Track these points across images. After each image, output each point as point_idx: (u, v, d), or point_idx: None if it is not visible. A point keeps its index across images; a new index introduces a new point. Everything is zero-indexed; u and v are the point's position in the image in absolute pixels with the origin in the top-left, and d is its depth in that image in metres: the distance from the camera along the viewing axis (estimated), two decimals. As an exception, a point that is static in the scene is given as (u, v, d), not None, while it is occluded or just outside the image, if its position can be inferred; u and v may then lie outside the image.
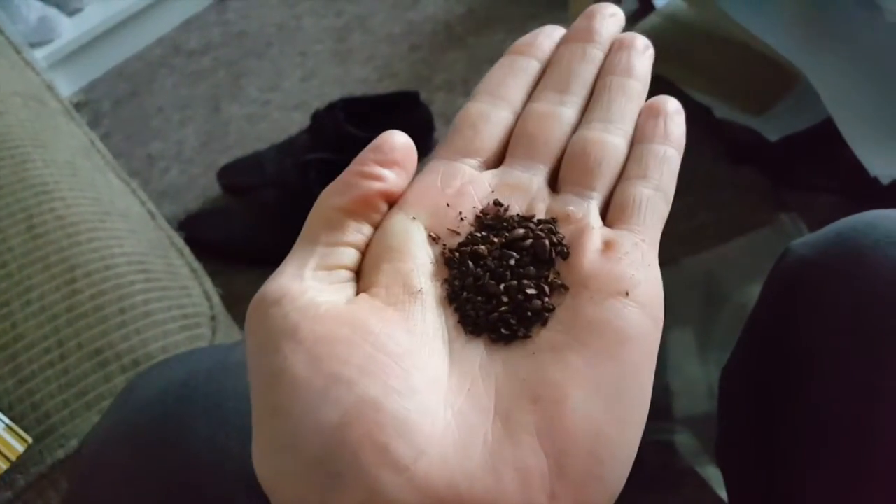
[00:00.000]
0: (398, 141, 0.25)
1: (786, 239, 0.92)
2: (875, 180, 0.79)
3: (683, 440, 0.79)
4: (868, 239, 0.34)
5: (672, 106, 0.27)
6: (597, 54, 0.29)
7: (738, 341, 0.42)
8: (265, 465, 0.20)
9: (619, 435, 0.20)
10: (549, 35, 0.30)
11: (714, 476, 0.75)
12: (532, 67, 0.29)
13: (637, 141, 0.27)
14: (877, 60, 0.78)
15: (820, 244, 0.36)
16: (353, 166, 0.25)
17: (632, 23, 1.18)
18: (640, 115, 0.27)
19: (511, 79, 0.29)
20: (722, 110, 1.04)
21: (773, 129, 0.99)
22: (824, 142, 0.88)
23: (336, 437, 0.19)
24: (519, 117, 0.28)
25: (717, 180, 1.04)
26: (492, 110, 0.28)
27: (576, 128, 0.28)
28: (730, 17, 0.87)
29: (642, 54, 0.29)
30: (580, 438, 0.20)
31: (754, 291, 0.88)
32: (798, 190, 0.99)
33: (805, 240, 0.38)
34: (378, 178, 0.25)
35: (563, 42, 0.30)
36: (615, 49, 0.29)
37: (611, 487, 0.20)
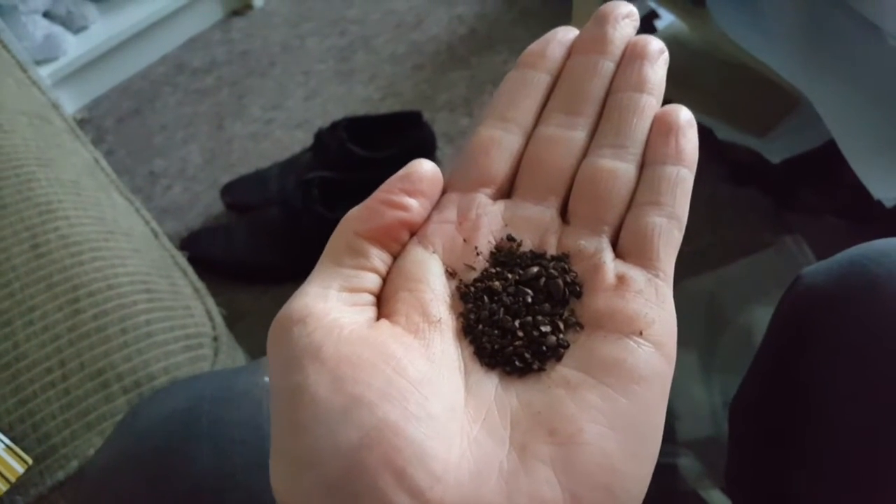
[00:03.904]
0: (426, 171, 0.26)
1: (789, 261, 0.91)
2: (878, 203, 0.79)
3: (686, 463, 0.78)
4: (881, 268, 0.34)
5: (684, 118, 0.27)
6: (608, 67, 0.28)
7: (749, 368, 0.42)
8: (283, 482, 0.20)
9: (632, 470, 0.21)
10: (561, 41, 0.29)
11: (717, 500, 0.75)
12: (542, 82, 0.28)
13: (649, 162, 0.26)
14: (879, 83, 0.78)
15: (832, 272, 0.36)
16: (380, 194, 0.25)
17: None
18: (651, 128, 0.27)
19: (521, 98, 0.28)
20: (724, 132, 1.04)
21: (775, 150, 0.99)
22: (827, 164, 0.89)
23: (355, 459, 0.19)
24: (529, 139, 0.28)
25: (719, 202, 1.04)
26: (503, 136, 0.27)
27: (586, 149, 0.27)
28: (731, 38, 0.87)
29: (656, 62, 0.28)
30: (596, 472, 0.20)
31: (757, 314, 0.87)
32: (800, 212, 1.00)
33: (817, 268, 0.38)
34: (403, 207, 0.25)
35: (574, 51, 0.29)
36: (628, 58, 0.28)
37: None
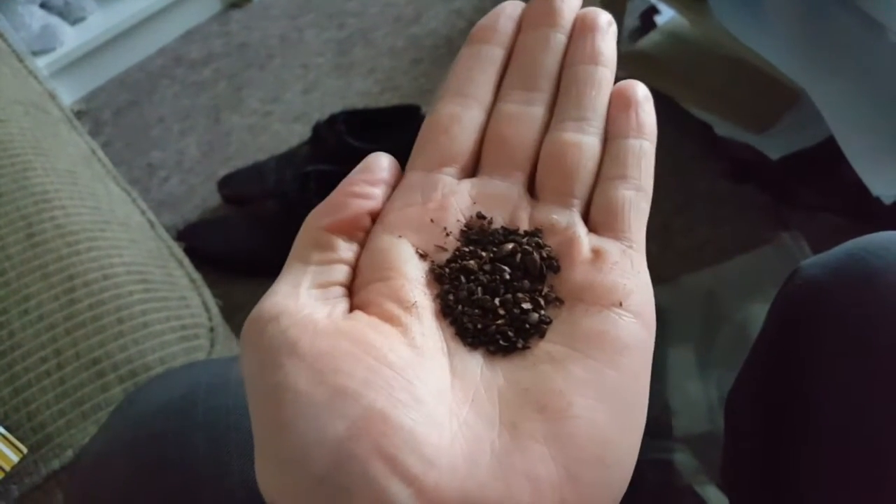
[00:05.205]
0: (384, 162, 0.26)
1: (787, 258, 0.91)
2: (877, 200, 0.79)
3: (682, 459, 0.78)
4: (881, 261, 0.34)
5: (641, 93, 0.27)
6: (560, 39, 0.28)
7: (745, 360, 0.42)
8: (270, 481, 0.20)
9: (623, 440, 0.21)
10: (510, 15, 0.29)
11: (713, 496, 0.75)
12: (496, 56, 0.28)
13: (611, 136, 0.26)
14: (880, 79, 0.78)
15: (831, 265, 0.36)
16: (343, 187, 0.25)
17: (633, 40, 1.19)
18: (609, 104, 0.27)
19: (477, 73, 0.28)
20: (723, 128, 1.04)
21: (774, 147, 0.99)
22: (826, 161, 0.89)
23: (344, 450, 0.19)
24: (490, 115, 0.27)
25: (718, 198, 1.04)
26: (463, 112, 0.27)
27: (548, 125, 0.27)
28: (732, 34, 0.87)
29: (606, 34, 0.28)
30: (588, 445, 0.20)
31: (755, 310, 0.87)
32: (799, 209, 1.00)
33: (815, 260, 0.37)
34: (368, 196, 0.25)
35: (525, 25, 0.29)
36: (578, 31, 0.28)
37: (615, 492, 0.21)
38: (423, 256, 0.25)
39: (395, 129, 1.10)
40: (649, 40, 1.14)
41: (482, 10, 1.40)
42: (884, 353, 0.33)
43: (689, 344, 0.85)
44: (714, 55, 1.08)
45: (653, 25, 1.19)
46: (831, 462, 0.34)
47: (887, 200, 0.79)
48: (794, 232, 0.93)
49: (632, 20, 1.25)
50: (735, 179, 1.05)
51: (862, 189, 0.79)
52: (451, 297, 0.24)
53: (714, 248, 0.98)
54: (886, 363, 0.32)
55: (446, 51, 1.34)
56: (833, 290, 0.35)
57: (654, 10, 1.21)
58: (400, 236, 0.25)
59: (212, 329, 0.59)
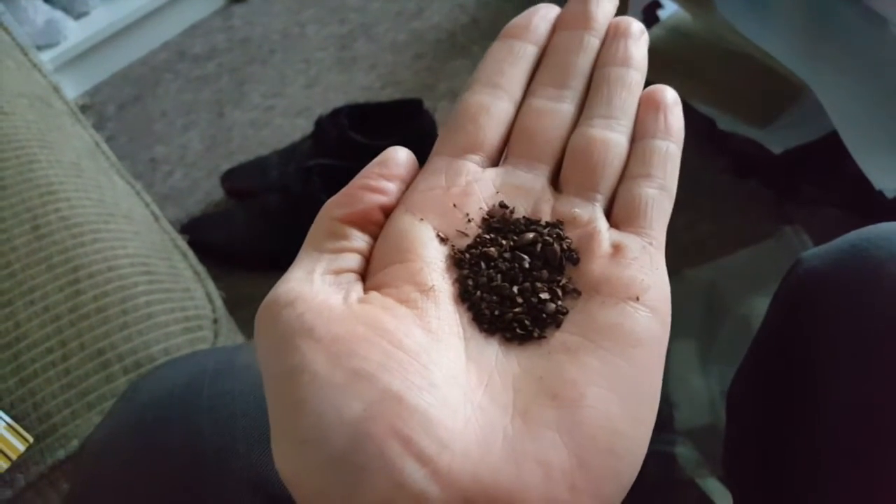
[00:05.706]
0: (402, 157, 0.26)
1: (789, 252, 0.92)
2: (880, 194, 0.79)
3: (684, 452, 0.78)
4: (882, 251, 0.34)
5: (670, 97, 0.27)
6: (593, 42, 0.29)
7: (747, 351, 0.42)
8: (288, 461, 0.20)
9: (633, 432, 0.21)
10: (545, 16, 0.29)
11: (714, 489, 0.75)
12: (529, 52, 0.29)
13: (638, 136, 0.27)
14: (883, 74, 0.78)
15: (833, 256, 0.36)
16: (359, 180, 0.26)
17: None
18: (638, 106, 0.27)
19: (508, 66, 0.28)
20: (725, 122, 1.04)
21: (776, 141, 0.99)
22: (828, 155, 0.89)
23: (360, 430, 0.19)
24: (518, 109, 0.28)
25: (720, 192, 1.04)
26: (491, 102, 0.27)
27: (575, 122, 0.27)
28: (735, 29, 0.87)
29: (638, 40, 0.29)
30: (599, 435, 0.20)
31: (757, 304, 0.87)
32: (801, 203, 1.00)
33: (817, 251, 0.37)
34: (382, 191, 0.25)
35: (559, 26, 0.29)
36: (611, 36, 0.29)
37: (625, 482, 0.21)
38: (443, 240, 0.25)
39: (397, 123, 1.10)
40: (652, 35, 1.14)
41: (485, 5, 1.40)
42: (885, 342, 0.33)
43: (690, 337, 0.86)
44: (717, 50, 1.08)
45: (656, 20, 1.19)
46: (836, 453, 0.34)
47: (890, 194, 0.79)
48: (795, 226, 0.93)
49: (635, 15, 1.24)
50: (737, 174, 1.05)
51: (864, 183, 0.79)
52: (469, 282, 0.24)
53: (716, 242, 0.98)
54: (888, 353, 0.33)
55: (448, 45, 1.34)
56: (834, 281, 0.36)
57: (656, 5, 1.21)
58: (421, 219, 0.25)
59: (215, 321, 0.59)
